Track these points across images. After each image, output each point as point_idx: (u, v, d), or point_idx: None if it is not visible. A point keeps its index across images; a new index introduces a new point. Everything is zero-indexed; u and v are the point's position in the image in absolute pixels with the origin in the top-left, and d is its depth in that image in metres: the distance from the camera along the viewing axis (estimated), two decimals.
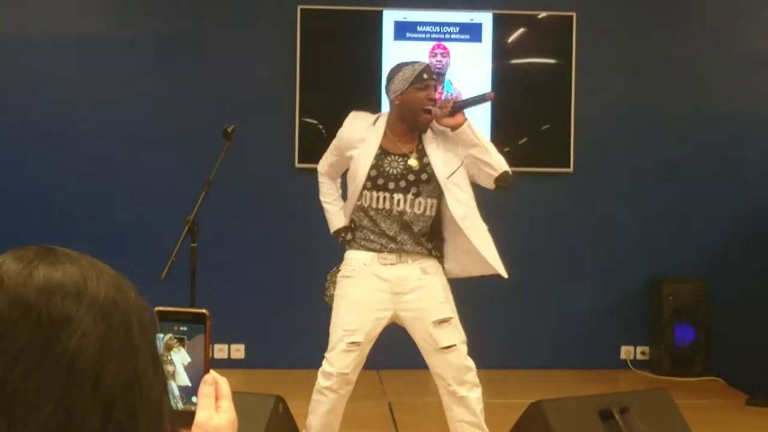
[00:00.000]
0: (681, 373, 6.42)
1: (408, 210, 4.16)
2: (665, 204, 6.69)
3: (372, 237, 4.21)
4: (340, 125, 6.47)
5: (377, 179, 4.19)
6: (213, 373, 1.30)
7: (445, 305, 4.27)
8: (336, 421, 4.33)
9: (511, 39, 6.63)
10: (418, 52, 6.44)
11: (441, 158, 4.18)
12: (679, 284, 6.53)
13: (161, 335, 1.29)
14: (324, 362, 4.24)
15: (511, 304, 6.67)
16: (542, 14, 6.64)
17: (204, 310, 1.31)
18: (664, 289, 6.50)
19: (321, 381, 4.22)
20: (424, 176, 4.17)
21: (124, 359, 1.01)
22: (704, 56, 6.72)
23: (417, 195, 4.16)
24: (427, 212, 4.18)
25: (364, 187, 4.20)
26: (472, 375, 4.23)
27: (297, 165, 6.42)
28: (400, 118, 4.23)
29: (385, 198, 4.18)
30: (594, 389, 5.33)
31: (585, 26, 6.55)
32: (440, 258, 4.27)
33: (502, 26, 6.54)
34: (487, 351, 6.61)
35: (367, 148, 4.23)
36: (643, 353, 6.73)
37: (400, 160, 4.20)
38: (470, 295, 6.60)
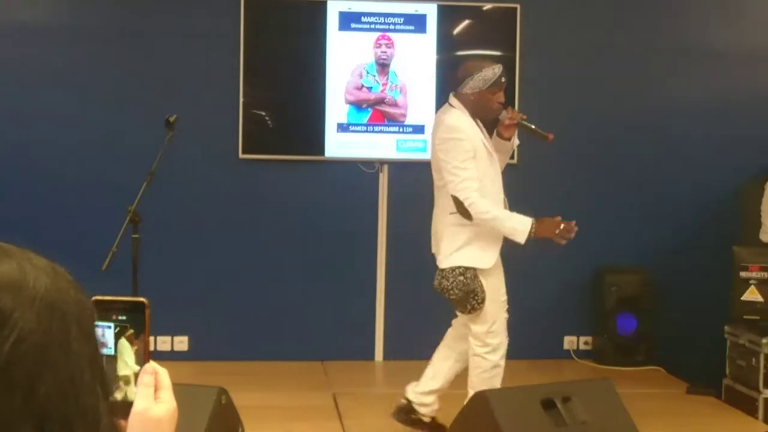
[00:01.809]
0: (623, 362, 6.48)
1: None
2: (608, 195, 6.75)
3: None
4: (285, 115, 6.53)
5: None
6: (153, 363, 1.28)
7: None
8: None
9: (455, 30, 6.64)
10: (362, 42, 6.43)
11: None
12: (622, 274, 6.59)
13: (111, 325, 1.27)
14: (488, 338, 4.66)
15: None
16: (487, 6, 6.66)
17: (143, 299, 1.29)
18: (607, 279, 6.56)
19: (494, 357, 4.66)
20: None
21: (60, 367, 0.97)
22: (650, 48, 6.77)
23: None
24: None
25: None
26: None
27: (241, 156, 6.38)
28: (471, 112, 4.68)
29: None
30: (538, 379, 5.36)
31: (529, 18, 6.58)
32: None
33: (446, 17, 6.55)
34: (437, 342, 6.63)
35: (484, 141, 4.70)
36: (586, 343, 6.79)
37: None
38: (414, 286, 6.63)
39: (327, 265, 6.57)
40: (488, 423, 3.84)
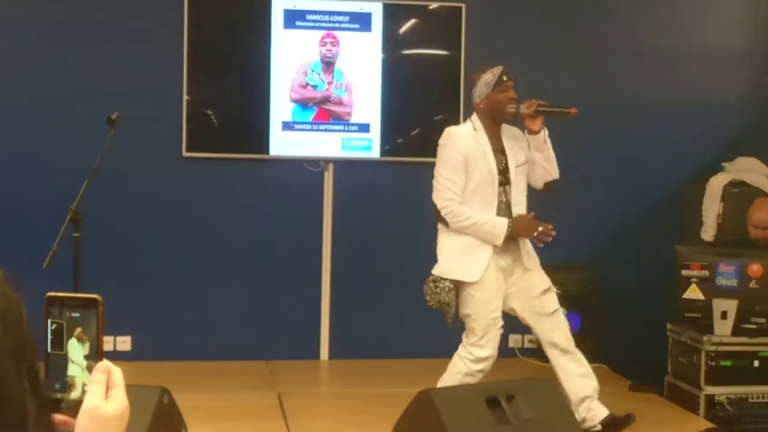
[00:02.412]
0: None
1: (509, 200, 4.77)
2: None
3: None
4: (230, 113, 6.49)
5: (499, 176, 4.72)
6: (106, 362, 1.25)
7: (545, 276, 4.89)
8: None
9: (401, 29, 6.64)
10: (307, 40, 6.41)
11: (514, 151, 4.78)
12: (566, 272, 6.61)
13: (49, 321, 1.24)
14: (474, 350, 4.71)
15: (402, 292, 6.69)
16: (433, 5, 6.67)
17: (96, 296, 1.27)
18: (552, 277, 6.57)
19: (473, 366, 4.71)
20: (503, 168, 4.75)
21: None
22: (594, 48, 6.83)
23: (508, 184, 4.78)
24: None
25: (499, 185, 4.72)
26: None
27: (185, 154, 6.32)
28: (488, 118, 4.75)
29: (503, 192, 4.75)
30: (484, 377, 5.37)
31: (474, 17, 6.60)
32: None
33: (392, 16, 6.54)
34: (382, 340, 6.64)
35: (486, 150, 4.71)
36: (531, 341, 6.81)
37: (500, 156, 4.74)
38: (360, 285, 6.63)
39: (272, 264, 6.54)
40: (433, 421, 3.84)
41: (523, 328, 6.76)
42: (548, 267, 6.59)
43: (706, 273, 5.53)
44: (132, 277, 6.33)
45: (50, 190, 5.94)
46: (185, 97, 6.27)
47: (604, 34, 6.88)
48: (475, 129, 4.76)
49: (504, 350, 6.69)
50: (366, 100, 6.49)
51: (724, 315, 5.44)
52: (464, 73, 6.57)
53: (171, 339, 6.36)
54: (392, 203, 6.67)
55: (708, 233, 6.43)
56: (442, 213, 4.67)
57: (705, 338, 5.45)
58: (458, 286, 4.68)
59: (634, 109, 6.89)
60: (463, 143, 4.70)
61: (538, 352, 6.72)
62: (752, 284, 5.46)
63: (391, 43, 6.57)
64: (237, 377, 6.00)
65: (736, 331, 5.46)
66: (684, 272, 5.58)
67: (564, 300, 6.54)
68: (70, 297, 1.28)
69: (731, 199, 6.37)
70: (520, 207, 4.79)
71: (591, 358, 6.53)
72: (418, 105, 6.68)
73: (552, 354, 4.86)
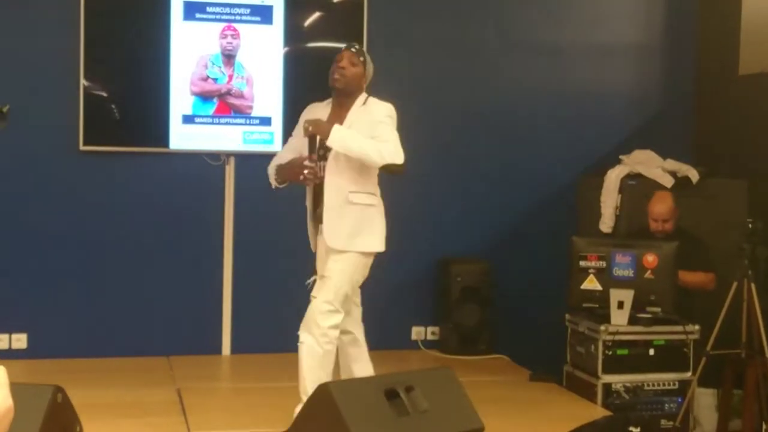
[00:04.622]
0: (468, 351, 6.59)
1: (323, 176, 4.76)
2: (450, 186, 6.84)
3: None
4: (129, 106, 6.40)
5: (319, 150, 4.73)
6: None
7: (330, 263, 4.86)
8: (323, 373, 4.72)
9: (303, 22, 6.61)
10: (208, 33, 6.34)
11: (353, 128, 4.67)
12: (466, 265, 6.69)
13: None
14: None
15: (303, 286, 6.66)
16: None
17: None
18: (453, 269, 6.64)
19: None
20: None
21: None
22: (496, 42, 6.91)
23: (324, 161, 4.76)
24: None
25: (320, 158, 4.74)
26: (318, 330, 4.78)
27: (82, 147, 6.20)
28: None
29: (323, 167, 4.74)
30: (385, 369, 5.37)
31: (376, 10, 6.60)
32: None
33: (293, 9, 6.50)
34: (284, 335, 6.60)
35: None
36: (433, 333, 6.87)
37: None
38: (262, 278, 6.58)
39: (173, 259, 6.46)
40: (331, 414, 3.83)
41: (426, 321, 6.86)
42: (450, 260, 6.69)
43: (602, 264, 5.61)
44: (28, 273, 6.20)
45: None
46: (82, 89, 6.14)
47: (505, 29, 6.95)
48: (329, 103, 4.92)
49: (407, 343, 6.78)
50: (267, 93, 6.45)
51: (620, 305, 5.53)
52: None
53: (69, 336, 6.25)
54: (293, 197, 6.63)
55: (606, 225, 6.53)
56: None
57: (602, 328, 5.53)
58: None
59: (534, 103, 6.98)
60: (308, 113, 4.88)
61: (440, 344, 6.79)
62: (647, 274, 5.55)
63: (293, 35, 6.53)
64: (136, 374, 5.92)
65: (632, 320, 5.55)
66: (581, 263, 5.65)
67: (465, 292, 6.64)
68: None
69: (628, 192, 6.48)
70: (332, 190, 4.74)
71: (491, 350, 6.66)
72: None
73: None
